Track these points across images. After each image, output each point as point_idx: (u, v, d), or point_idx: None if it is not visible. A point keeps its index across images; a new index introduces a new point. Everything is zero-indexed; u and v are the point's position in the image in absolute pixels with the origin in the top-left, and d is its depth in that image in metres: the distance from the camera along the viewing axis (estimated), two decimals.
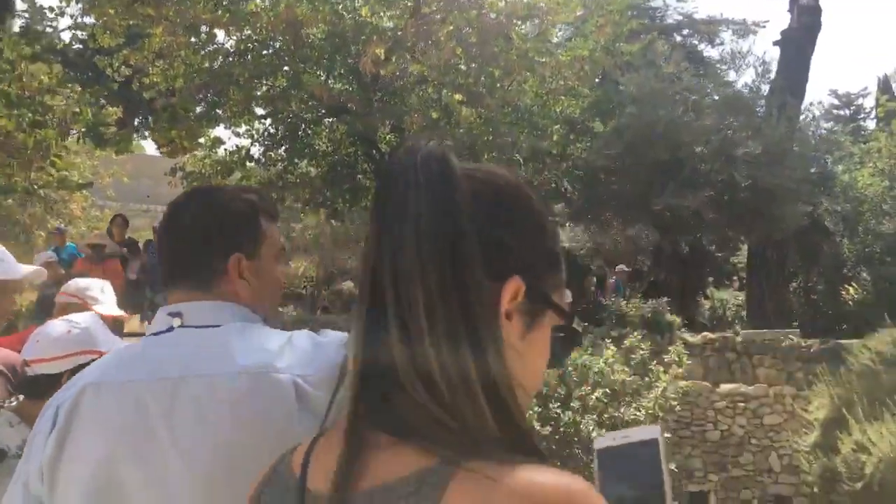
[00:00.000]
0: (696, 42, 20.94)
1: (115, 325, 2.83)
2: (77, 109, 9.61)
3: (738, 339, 8.80)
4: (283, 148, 10.88)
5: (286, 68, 9.52)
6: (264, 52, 9.67)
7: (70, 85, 9.96)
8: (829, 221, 15.31)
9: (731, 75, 12.89)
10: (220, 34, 9.46)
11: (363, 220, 14.16)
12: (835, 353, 8.20)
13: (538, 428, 6.08)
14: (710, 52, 21.25)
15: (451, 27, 8.24)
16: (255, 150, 10.81)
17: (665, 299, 9.12)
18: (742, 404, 8.35)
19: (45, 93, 9.17)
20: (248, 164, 10.76)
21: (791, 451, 8.01)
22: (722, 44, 21.09)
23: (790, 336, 8.62)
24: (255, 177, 11.30)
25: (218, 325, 1.05)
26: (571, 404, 6.43)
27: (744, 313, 15.73)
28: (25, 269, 2.34)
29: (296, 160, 11.00)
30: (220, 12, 8.54)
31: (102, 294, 2.69)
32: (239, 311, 1.09)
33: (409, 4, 8.65)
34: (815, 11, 14.83)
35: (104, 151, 12.47)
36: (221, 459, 0.93)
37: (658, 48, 11.09)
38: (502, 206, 0.72)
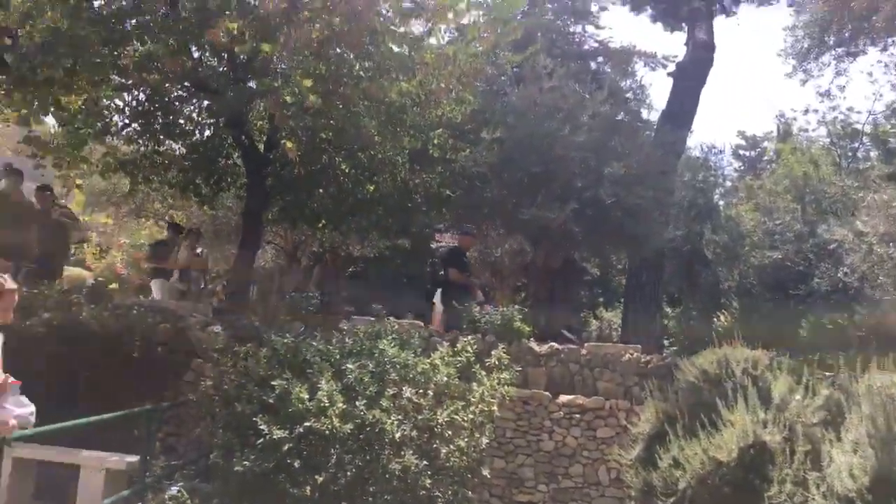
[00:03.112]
0: (608, 70, 21.40)
1: None
2: None
3: (583, 351, 8.79)
4: (149, 124, 10.33)
5: (162, 35, 8.92)
6: (136, 18, 9.11)
7: None
8: (709, 251, 15.80)
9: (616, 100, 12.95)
10: None
11: (233, 208, 13.68)
12: (669, 369, 8.26)
13: (338, 425, 5.81)
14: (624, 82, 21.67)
15: (318, 6, 7.98)
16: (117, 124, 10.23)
17: (516, 307, 9.03)
18: (578, 416, 8.31)
19: None
20: (107, 138, 10.17)
21: (619, 465, 8.00)
22: (634, 74, 21.67)
23: (630, 351, 8.66)
24: (119, 153, 10.75)
25: None
26: (381, 402, 6.18)
27: None
28: None
29: (162, 138, 10.50)
30: None
31: None
32: None
33: None
34: (709, 47, 15.41)
35: None
36: None
37: (541, 61, 11.15)
38: None
